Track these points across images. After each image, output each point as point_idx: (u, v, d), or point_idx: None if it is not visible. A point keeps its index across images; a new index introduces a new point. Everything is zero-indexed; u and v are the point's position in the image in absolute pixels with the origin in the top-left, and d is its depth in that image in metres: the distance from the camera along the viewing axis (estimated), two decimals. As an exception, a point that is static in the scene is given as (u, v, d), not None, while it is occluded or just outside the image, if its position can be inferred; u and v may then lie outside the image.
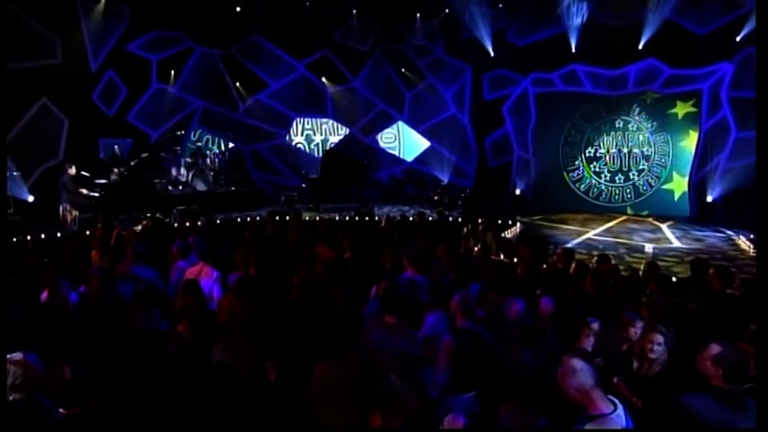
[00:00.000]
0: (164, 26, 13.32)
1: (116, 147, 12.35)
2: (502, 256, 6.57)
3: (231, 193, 13.10)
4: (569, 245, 8.88)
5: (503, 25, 14.99)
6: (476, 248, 7.23)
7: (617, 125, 14.16)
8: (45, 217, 10.45)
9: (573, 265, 5.46)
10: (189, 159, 13.09)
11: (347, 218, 11.54)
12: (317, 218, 11.95)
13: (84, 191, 10.66)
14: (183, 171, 12.92)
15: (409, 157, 16.84)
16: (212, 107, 14.98)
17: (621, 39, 12.66)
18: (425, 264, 5.18)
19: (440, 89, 16.26)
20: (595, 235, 10.98)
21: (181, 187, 12.79)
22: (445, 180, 15.85)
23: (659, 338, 3.20)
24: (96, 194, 10.74)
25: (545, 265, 5.94)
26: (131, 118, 13.44)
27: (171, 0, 12.33)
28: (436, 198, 13.88)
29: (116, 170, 11.84)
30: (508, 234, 9.20)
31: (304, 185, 13.78)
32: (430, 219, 11.45)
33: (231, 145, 14.72)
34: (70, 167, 10.58)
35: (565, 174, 14.53)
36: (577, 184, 14.49)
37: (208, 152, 14.21)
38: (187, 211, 10.39)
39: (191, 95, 14.60)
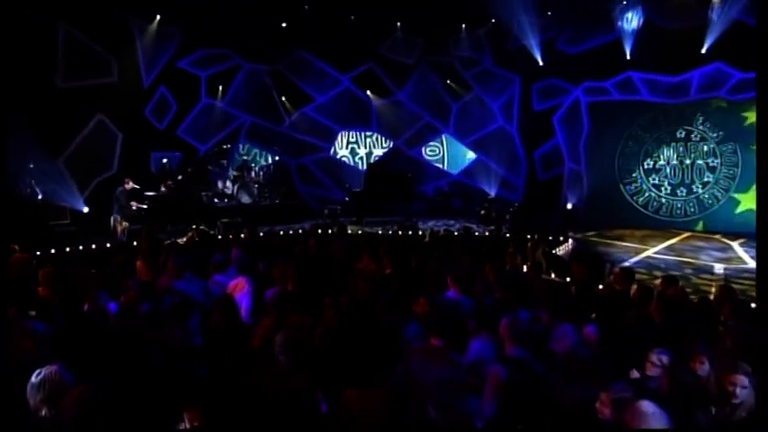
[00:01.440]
0: (212, 44, 13.71)
1: (165, 160, 12.71)
2: (553, 275, 6.17)
3: (275, 205, 13.20)
4: (627, 264, 8.29)
5: (552, 34, 14.57)
6: (524, 266, 6.86)
7: (678, 135, 13.31)
8: (98, 227, 10.82)
9: (633, 286, 5.00)
10: (235, 172, 13.31)
11: (389, 232, 11.33)
12: (360, 231, 11.81)
13: (135, 204, 10.96)
14: (228, 184, 13.14)
15: (455, 171, 16.54)
16: (259, 121, 15.24)
17: (682, 43, 11.95)
18: (470, 283, 4.88)
19: (487, 100, 15.95)
20: (656, 253, 10.23)
21: (226, 200, 13.00)
22: (492, 194, 15.42)
23: (744, 380, 2.76)
24: (145, 206, 11.02)
25: (601, 286, 5.50)
26: (181, 132, 13.83)
27: (220, 19, 12.67)
28: (483, 212, 13.49)
29: (165, 183, 12.16)
30: (560, 251, 8.73)
31: (347, 198, 13.71)
32: (476, 233, 11.08)
33: (276, 158, 14.91)
34: (128, 182, 10.93)
35: (621, 187, 13.78)
36: (635, 198, 13.70)
37: (253, 165, 14.42)
38: (231, 223, 10.48)
39: (238, 110, 14.90)
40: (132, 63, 12.52)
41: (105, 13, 11.36)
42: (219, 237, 10.45)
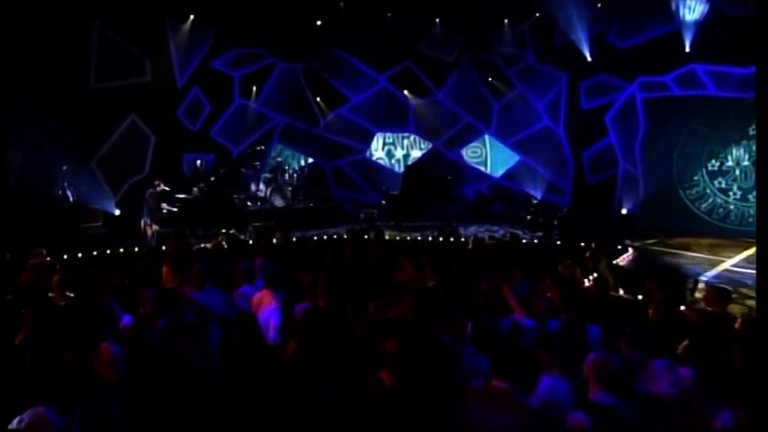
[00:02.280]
0: (247, 43, 13.41)
1: (198, 162, 12.42)
2: (621, 292, 5.37)
3: (310, 209, 12.72)
4: (705, 278, 7.28)
5: (602, 27, 13.64)
6: (585, 280, 6.06)
7: (750, 133, 12.03)
8: (129, 231, 10.57)
9: (732, 310, 4.16)
10: (268, 175, 12.91)
11: (429, 238, 10.66)
12: (398, 237, 11.17)
13: (165, 206, 10.66)
14: (261, 187, 12.75)
15: (497, 173, 15.72)
16: (293, 122, 14.85)
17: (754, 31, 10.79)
18: (531, 302, 4.18)
19: (531, 99, 15.11)
20: (735, 266, 9.06)
21: (259, 203, 12.61)
22: (537, 197, 14.53)
23: None
24: (175, 209, 10.71)
25: (683, 307, 4.68)
26: (214, 133, 13.56)
27: (254, 18, 12.35)
28: (529, 217, 12.63)
29: (197, 185, 11.87)
30: (620, 262, 7.85)
31: (384, 202, 13.10)
32: (524, 241, 10.28)
33: (311, 160, 14.44)
34: (159, 184, 10.66)
35: (681, 191, 12.62)
36: (697, 204, 12.51)
37: (287, 168, 13.99)
38: (263, 227, 10.03)
39: (272, 111, 14.55)
40: (166, 63, 12.30)
41: (139, 13, 11.17)
42: (250, 242, 10.03)
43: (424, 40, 15.01)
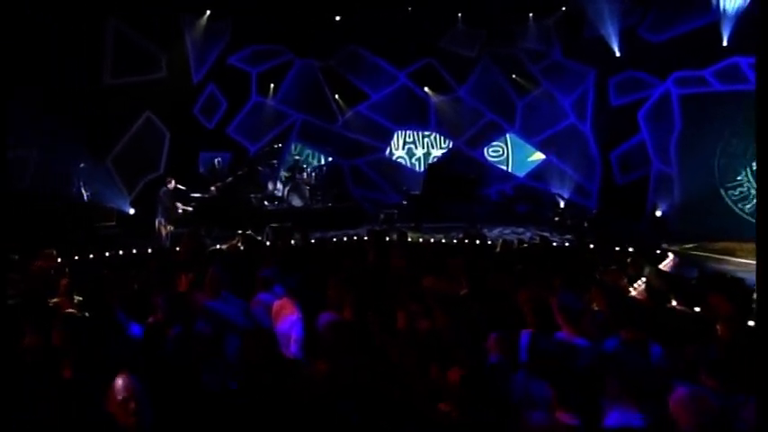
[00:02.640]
0: (264, 39, 13.11)
1: (216, 160, 12.12)
2: (675, 303, 4.86)
3: (328, 209, 12.34)
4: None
5: (633, 20, 13.03)
6: (631, 289, 5.55)
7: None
8: (143, 230, 10.30)
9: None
10: (286, 173, 12.57)
11: (453, 240, 10.20)
12: (420, 239, 10.72)
13: (180, 205, 10.37)
14: (279, 186, 12.41)
15: (520, 173, 15.18)
16: (311, 120, 14.50)
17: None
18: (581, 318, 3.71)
19: (557, 96, 14.54)
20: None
21: (276, 202, 12.27)
22: (563, 198, 13.98)
23: None
24: (191, 209, 10.41)
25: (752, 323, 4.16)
26: (231, 131, 13.26)
27: (271, 13, 12.03)
28: (557, 219, 12.09)
29: (213, 184, 11.57)
30: (663, 268, 7.30)
31: (405, 202, 12.65)
32: (554, 244, 9.77)
33: (329, 159, 14.06)
34: (170, 181, 10.38)
35: (723, 192, 11.90)
36: (741, 205, 11.78)
37: (305, 166, 13.64)
38: (280, 228, 9.67)
39: (290, 108, 14.21)
40: (182, 59, 12.04)
41: (155, 8, 10.90)
42: (267, 243, 9.67)
43: (445, 35, 14.58)
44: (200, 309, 4.34)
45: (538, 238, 9.90)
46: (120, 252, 8.36)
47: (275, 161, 13.24)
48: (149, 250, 8.60)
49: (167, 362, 3.61)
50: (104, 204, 10.19)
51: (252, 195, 11.66)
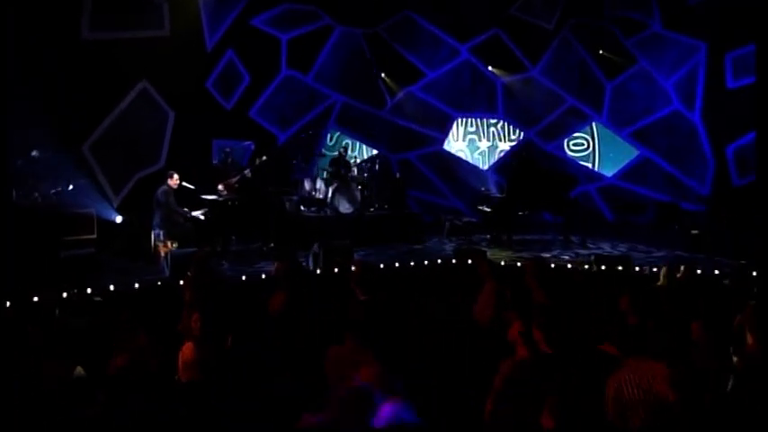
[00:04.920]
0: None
1: (226, 150, 8.59)
2: None
3: (383, 217, 8.79)
4: None
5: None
6: None
7: None
8: (133, 248, 6.81)
9: None
10: (329, 169, 8.96)
11: (586, 266, 6.72)
12: (519, 262, 7.18)
13: (188, 212, 6.91)
14: (320, 185, 8.84)
15: (609, 172, 11.76)
16: (353, 102, 11.03)
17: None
18: None
19: (656, 77, 11.21)
20: None
21: (314, 208, 8.75)
22: (676, 205, 10.58)
23: None
24: (202, 217, 6.92)
25: None
26: (254, 114, 9.77)
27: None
28: (696, 232, 8.65)
29: (229, 182, 8.09)
30: None
31: (485, 208, 9.06)
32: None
33: (374, 152, 10.32)
34: (172, 176, 6.91)
35: None
36: None
37: (353, 160, 9.99)
38: (335, 248, 6.20)
39: (327, 87, 10.74)
40: (192, 14, 8.56)
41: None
42: (318, 271, 6.22)
43: (517, 1, 11.27)
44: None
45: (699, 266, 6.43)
46: (88, 290, 4.86)
47: (316, 153, 9.71)
48: (136, 285, 5.10)
49: None
50: (77, 210, 6.64)
51: (285, 198, 8.10)
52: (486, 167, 11.91)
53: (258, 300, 4.16)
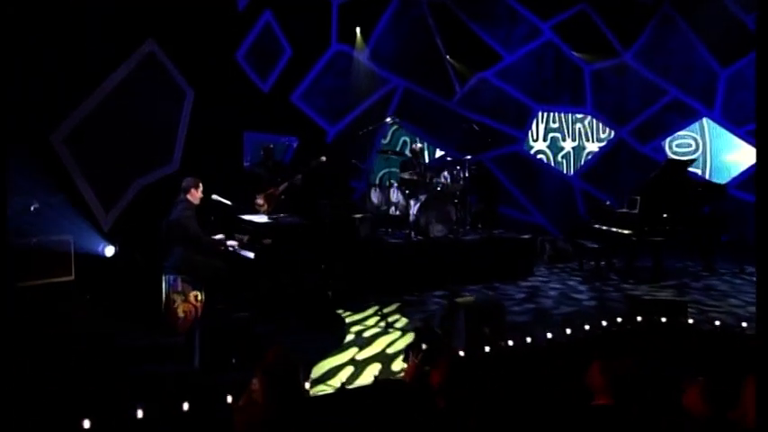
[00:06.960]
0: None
1: (272, 145, 5.85)
2: None
3: (483, 242, 5.98)
4: None
5: None
6: None
7: None
8: (135, 310, 4.07)
9: None
10: (405, 176, 6.06)
11: None
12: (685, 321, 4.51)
13: (229, 243, 4.16)
14: (397, 197, 5.98)
15: (723, 178, 9.20)
16: (416, 89, 8.31)
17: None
18: None
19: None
20: None
21: (390, 229, 5.95)
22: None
23: None
24: (250, 255, 4.15)
25: None
26: (297, 99, 7.01)
27: None
28: None
29: (273, 192, 5.37)
30: None
31: (623, 230, 6.24)
32: None
33: (467, 157, 7.29)
34: (195, 186, 4.15)
35: None
36: None
37: (446, 162, 7.06)
38: (476, 305, 3.50)
39: (386, 68, 8.02)
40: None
41: None
42: (439, 331, 3.50)
43: (608, -29, 8.71)
44: None
45: None
46: None
47: (373, 153, 6.94)
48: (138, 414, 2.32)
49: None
50: (42, 239, 3.86)
51: (356, 217, 5.28)
52: (571, 173, 9.31)
53: None
